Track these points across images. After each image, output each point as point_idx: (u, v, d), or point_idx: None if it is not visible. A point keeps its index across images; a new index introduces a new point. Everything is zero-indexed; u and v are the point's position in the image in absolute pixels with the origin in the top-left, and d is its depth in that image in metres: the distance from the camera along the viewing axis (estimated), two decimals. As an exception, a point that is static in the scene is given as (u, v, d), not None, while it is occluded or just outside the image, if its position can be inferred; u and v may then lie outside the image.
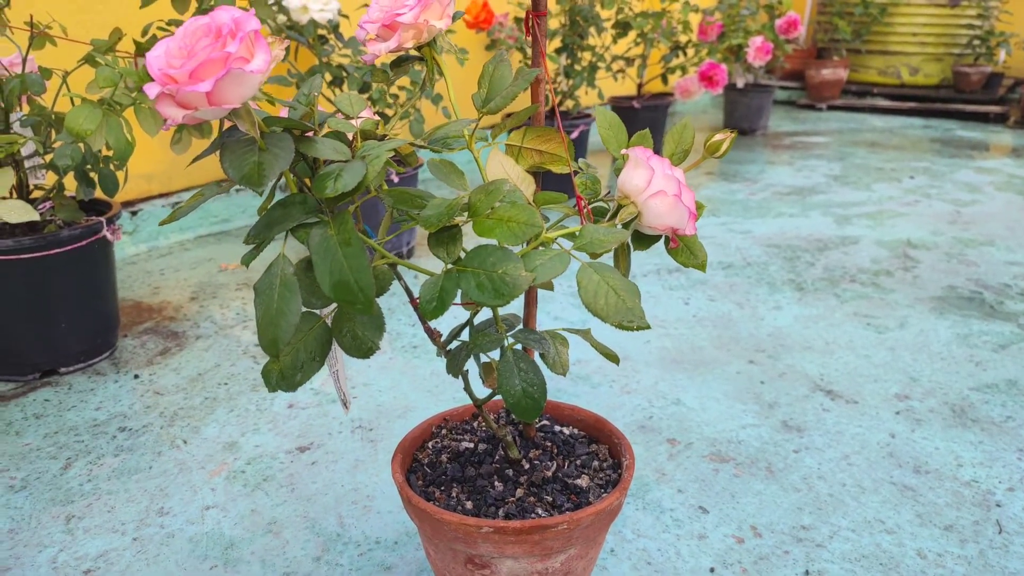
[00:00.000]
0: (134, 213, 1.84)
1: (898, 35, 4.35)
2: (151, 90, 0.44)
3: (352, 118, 0.56)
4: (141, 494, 0.95)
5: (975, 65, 4.15)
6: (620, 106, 2.87)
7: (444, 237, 0.52)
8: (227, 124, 0.49)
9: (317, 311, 0.55)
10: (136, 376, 1.24)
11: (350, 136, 0.55)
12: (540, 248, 0.53)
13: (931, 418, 1.12)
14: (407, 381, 1.22)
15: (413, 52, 0.60)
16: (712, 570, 0.82)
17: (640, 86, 2.93)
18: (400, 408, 1.14)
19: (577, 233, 0.54)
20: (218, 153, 0.48)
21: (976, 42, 4.14)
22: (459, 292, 0.51)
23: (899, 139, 3.38)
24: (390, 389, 1.20)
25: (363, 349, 0.51)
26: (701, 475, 0.98)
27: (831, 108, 4.30)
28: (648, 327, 0.48)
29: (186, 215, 0.54)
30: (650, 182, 0.57)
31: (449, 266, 0.52)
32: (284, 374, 0.53)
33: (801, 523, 0.89)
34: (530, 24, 0.60)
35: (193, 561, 0.83)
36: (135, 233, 1.84)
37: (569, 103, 2.44)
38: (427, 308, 0.49)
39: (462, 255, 0.53)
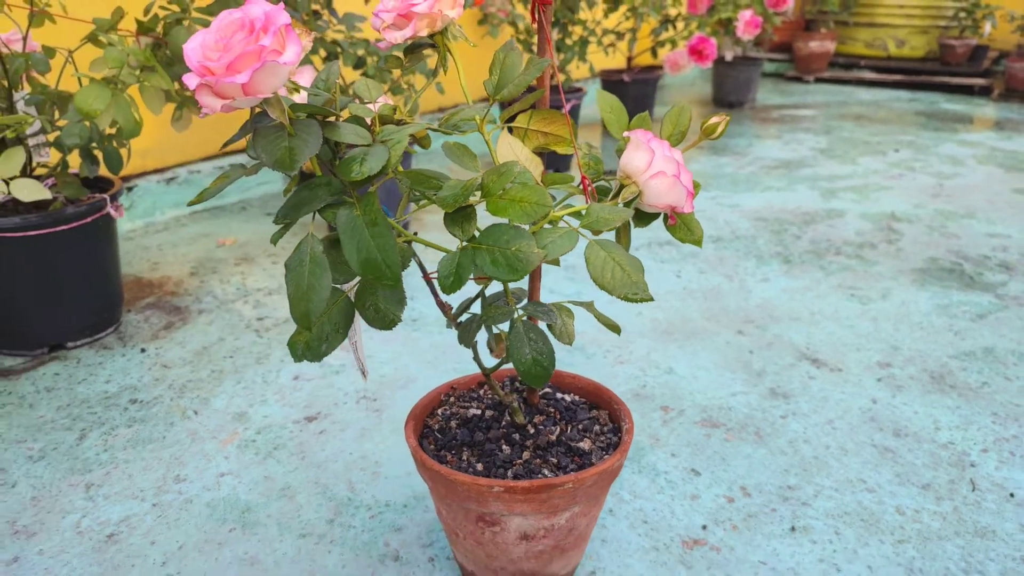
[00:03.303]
0: (130, 189, 1.85)
1: (885, 7, 4.36)
2: (190, 81, 0.47)
3: (371, 103, 0.59)
4: (157, 462, 0.98)
5: (961, 38, 4.19)
6: (610, 80, 2.89)
7: (459, 216, 0.56)
8: (257, 110, 0.52)
9: (340, 286, 0.59)
10: (143, 350, 1.27)
11: (368, 121, 0.58)
12: (549, 226, 0.56)
13: (911, 384, 1.17)
14: (408, 353, 1.26)
15: (425, 40, 0.63)
16: (704, 527, 0.87)
17: (630, 60, 2.94)
18: (402, 379, 1.18)
19: (583, 212, 0.58)
20: (248, 138, 0.51)
21: (962, 14, 4.16)
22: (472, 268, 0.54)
23: (885, 112, 3.42)
24: (392, 361, 1.24)
25: (386, 321, 0.54)
26: (693, 440, 1.03)
27: (818, 80, 4.33)
28: (651, 299, 0.52)
29: (214, 196, 0.57)
30: (651, 163, 0.61)
31: (464, 243, 0.56)
32: (310, 345, 0.56)
33: (787, 483, 0.94)
34: (536, 12, 0.63)
35: (212, 524, 0.88)
36: (131, 209, 1.86)
37: (560, 77, 2.46)
38: (445, 283, 0.53)
39: (476, 233, 0.56)
